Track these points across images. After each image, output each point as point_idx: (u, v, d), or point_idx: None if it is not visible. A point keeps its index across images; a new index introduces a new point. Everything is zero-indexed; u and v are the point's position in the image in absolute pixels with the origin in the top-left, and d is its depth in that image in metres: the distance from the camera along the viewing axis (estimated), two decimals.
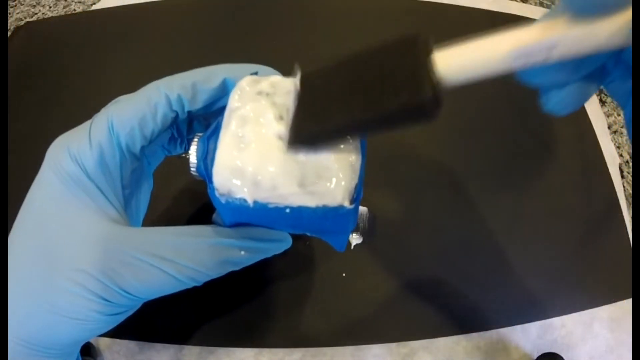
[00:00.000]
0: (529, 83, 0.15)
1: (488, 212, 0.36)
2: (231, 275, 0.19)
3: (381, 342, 0.32)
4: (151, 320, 0.31)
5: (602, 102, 0.43)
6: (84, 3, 0.48)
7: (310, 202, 0.17)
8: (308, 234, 0.20)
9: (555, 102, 0.15)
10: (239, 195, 0.17)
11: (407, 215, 0.36)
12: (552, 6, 0.50)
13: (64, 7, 0.48)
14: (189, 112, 0.21)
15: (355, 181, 0.17)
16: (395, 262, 0.34)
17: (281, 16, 0.46)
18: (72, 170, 0.18)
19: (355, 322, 0.32)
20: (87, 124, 0.20)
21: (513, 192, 0.37)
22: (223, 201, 0.18)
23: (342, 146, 0.17)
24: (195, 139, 0.20)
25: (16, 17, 0.47)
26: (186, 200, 0.35)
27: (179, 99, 0.20)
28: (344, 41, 0.42)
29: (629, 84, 0.15)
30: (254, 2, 0.46)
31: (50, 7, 0.48)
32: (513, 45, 0.13)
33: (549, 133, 0.40)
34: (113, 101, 0.21)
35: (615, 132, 0.42)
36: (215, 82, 0.20)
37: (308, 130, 0.16)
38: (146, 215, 0.23)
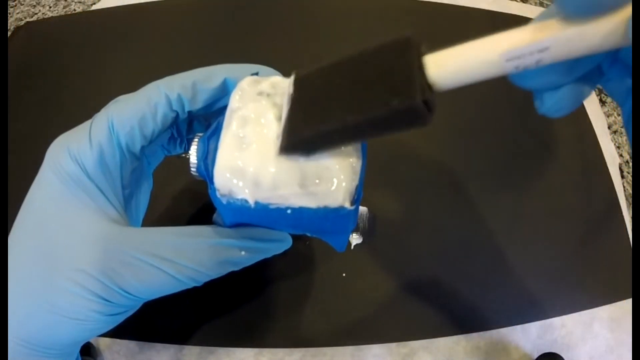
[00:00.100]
0: (522, 86, 0.15)
1: (488, 212, 0.36)
2: (231, 275, 0.19)
3: (381, 342, 0.32)
4: (151, 320, 0.31)
5: (602, 102, 0.43)
6: (84, 3, 0.48)
7: (312, 202, 0.17)
8: (308, 234, 0.20)
9: (550, 105, 0.15)
10: (240, 196, 0.17)
11: (407, 215, 0.36)
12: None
13: (64, 7, 0.48)
14: (189, 112, 0.21)
15: (355, 182, 0.17)
16: (395, 262, 0.34)
17: (281, 16, 0.46)
18: (72, 170, 0.18)
19: (355, 322, 0.32)
20: (87, 123, 0.20)
21: (513, 192, 0.37)
22: (224, 202, 0.18)
23: (342, 147, 0.17)
24: (196, 139, 0.20)
25: (16, 17, 0.47)
26: (186, 200, 0.35)
27: (179, 99, 0.20)
28: (344, 41, 0.42)
29: (627, 83, 0.15)
30: (254, 2, 0.46)
31: (50, 7, 0.48)
32: (505, 47, 0.13)
33: (549, 133, 0.40)
34: (113, 101, 0.21)
35: (615, 132, 0.42)
36: (215, 82, 0.20)
37: (301, 137, 0.16)
38: (146, 215, 0.23)
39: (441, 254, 0.34)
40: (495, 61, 0.13)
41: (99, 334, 0.19)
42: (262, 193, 0.17)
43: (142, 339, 0.31)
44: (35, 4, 0.48)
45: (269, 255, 0.20)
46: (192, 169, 0.20)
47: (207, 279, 0.19)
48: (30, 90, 0.40)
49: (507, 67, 0.13)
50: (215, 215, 0.20)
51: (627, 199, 0.38)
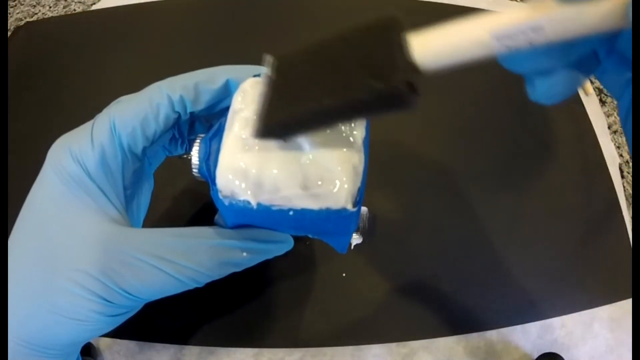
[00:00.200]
0: (513, 69, 0.14)
1: (488, 212, 0.36)
2: (231, 276, 0.19)
3: (381, 342, 0.32)
4: (151, 320, 0.31)
5: (602, 102, 0.43)
6: (84, 3, 0.48)
7: (314, 204, 0.17)
8: (310, 236, 0.20)
9: (542, 91, 0.14)
10: (242, 197, 0.17)
11: (407, 215, 0.36)
12: None
13: (64, 7, 0.48)
14: (191, 113, 0.21)
15: (358, 184, 0.17)
16: (395, 262, 0.34)
17: (281, 16, 0.46)
18: (73, 170, 0.18)
19: (355, 322, 0.32)
20: (88, 124, 0.20)
21: (513, 192, 0.37)
22: (226, 203, 0.18)
23: (344, 149, 0.17)
24: (198, 140, 0.20)
25: (16, 17, 0.47)
26: (187, 200, 0.35)
27: (181, 100, 0.20)
28: None
29: (623, 76, 0.14)
30: (254, 2, 0.46)
31: (50, 7, 0.48)
32: (494, 26, 0.12)
33: (549, 133, 0.40)
34: (114, 101, 0.21)
35: (615, 132, 0.42)
36: (217, 83, 0.20)
37: (276, 120, 0.15)
38: (147, 215, 0.23)
39: (441, 254, 0.34)
40: (484, 40, 0.12)
41: (100, 334, 0.19)
42: (264, 195, 0.17)
43: (142, 339, 0.31)
44: (35, 4, 0.48)
45: (270, 256, 0.20)
46: (194, 170, 0.20)
47: (208, 280, 0.19)
48: (30, 90, 0.40)
49: (497, 47, 0.13)
50: (216, 216, 0.20)
51: (627, 199, 0.38)
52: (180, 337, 0.31)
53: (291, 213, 0.17)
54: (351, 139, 0.17)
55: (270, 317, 0.32)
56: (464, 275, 0.34)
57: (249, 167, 0.17)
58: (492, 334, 0.32)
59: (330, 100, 0.14)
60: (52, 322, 0.18)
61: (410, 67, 0.13)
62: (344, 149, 0.17)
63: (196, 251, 0.18)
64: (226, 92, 0.21)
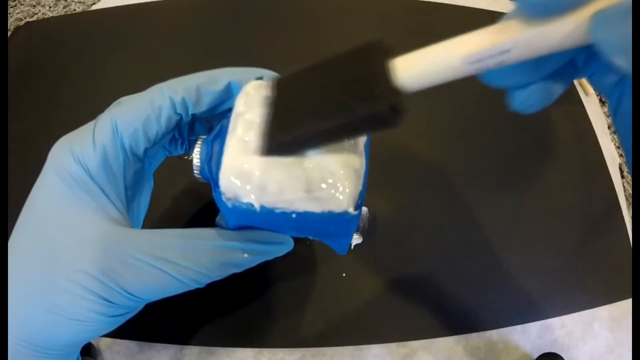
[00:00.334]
0: (491, 85, 0.15)
1: (488, 212, 0.36)
2: (232, 276, 0.19)
3: (381, 342, 0.32)
4: (151, 320, 0.31)
5: (602, 102, 0.43)
6: (84, 3, 0.48)
7: (316, 207, 0.17)
8: (310, 237, 0.20)
9: (520, 102, 0.15)
10: (245, 200, 0.17)
11: (407, 215, 0.36)
12: None
13: (64, 7, 0.48)
14: (192, 115, 0.21)
15: (359, 188, 0.18)
16: (395, 262, 0.34)
17: (281, 16, 0.46)
18: (74, 171, 0.18)
19: (355, 322, 0.32)
20: (90, 125, 0.20)
21: (513, 192, 0.37)
22: (229, 205, 0.18)
23: (346, 153, 0.17)
24: (199, 141, 0.20)
25: (16, 17, 0.47)
26: (187, 200, 0.35)
27: (183, 102, 0.20)
28: (344, 41, 0.42)
29: (611, 76, 0.15)
30: (254, 2, 0.46)
31: (50, 7, 0.48)
32: (465, 52, 0.13)
33: (549, 133, 0.40)
34: (116, 102, 0.21)
35: (615, 132, 0.42)
36: (219, 86, 0.20)
37: (277, 141, 0.16)
38: (147, 216, 0.23)
39: (441, 254, 0.34)
40: (457, 64, 0.13)
41: (100, 335, 0.19)
42: (268, 197, 0.17)
43: (143, 339, 0.31)
44: (35, 4, 0.48)
45: (270, 257, 0.20)
46: (195, 172, 0.20)
47: (209, 281, 0.19)
48: (30, 90, 0.40)
49: (471, 70, 0.13)
50: (218, 218, 0.21)
51: (627, 199, 0.38)
52: (181, 337, 0.31)
53: (294, 216, 0.17)
54: (353, 142, 0.18)
55: (270, 317, 0.32)
56: (464, 275, 0.34)
57: (252, 169, 0.17)
58: (492, 334, 0.32)
59: (322, 124, 0.15)
60: (52, 322, 0.18)
61: (393, 90, 0.14)
62: (346, 153, 0.17)
63: (197, 252, 0.18)
64: (228, 94, 0.21)
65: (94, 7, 0.47)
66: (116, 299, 0.18)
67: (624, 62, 0.11)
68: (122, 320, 0.19)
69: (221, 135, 0.19)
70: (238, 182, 0.17)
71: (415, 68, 0.14)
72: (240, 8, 0.46)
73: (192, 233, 0.19)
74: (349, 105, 0.14)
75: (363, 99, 0.14)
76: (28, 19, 0.47)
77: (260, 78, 0.20)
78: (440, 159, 0.38)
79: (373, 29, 0.43)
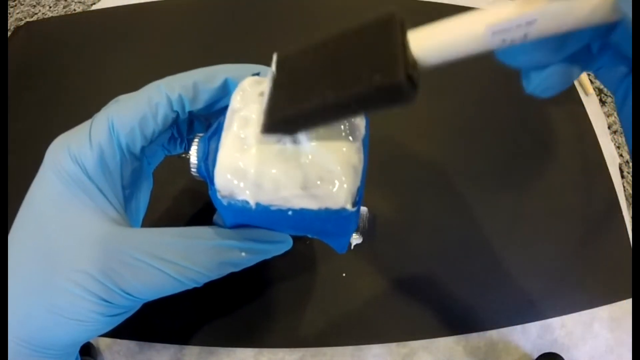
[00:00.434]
0: (509, 63, 0.15)
1: (488, 212, 0.36)
2: (231, 276, 0.19)
3: (381, 342, 0.32)
4: (151, 320, 0.31)
5: (602, 102, 0.43)
6: (84, 3, 0.48)
7: (313, 204, 0.17)
8: (309, 236, 0.20)
9: (537, 84, 0.15)
10: (241, 197, 0.17)
11: (407, 215, 0.36)
12: None
13: (64, 7, 0.48)
14: (190, 112, 0.21)
15: (357, 184, 0.17)
16: (395, 262, 0.34)
17: (281, 16, 0.46)
18: (72, 170, 0.18)
19: (355, 322, 0.32)
20: (86, 123, 0.20)
21: (513, 192, 0.37)
22: (225, 203, 0.18)
23: (344, 149, 0.17)
24: (196, 140, 0.20)
25: (16, 17, 0.47)
26: (186, 200, 0.35)
27: (180, 99, 0.20)
28: None
29: (618, 70, 0.15)
30: (254, 2, 0.46)
31: (50, 7, 0.48)
32: (490, 21, 0.13)
33: (549, 133, 0.40)
34: (113, 100, 0.21)
35: (615, 132, 0.42)
36: (216, 82, 0.20)
37: (282, 116, 0.16)
38: (146, 215, 0.23)
39: (441, 254, 0.34)
40: (481, 35, 0.13)
41: (99, 334, 0.19)
42: (263, 195, 0.17)
43: (142, 339, 0.31)
44: (35, 4, 0.48)
45: (269, 256, 0.20)
46: (193, 170, 0.20)
47: (207, 280, 0.19)
48: (30, 90, 0.40)
49: (494, 42, 0.13)
50: (215, 216, 0.20)
51: (627, 199, 0.38)
52: (180, 337, 0.31)
53: (290, 213, 0.17)
54: (350, 138, 0.17)
55: (270, 317, 0.32)
56: (464, 275, 0.34)
57: (247, 166, 0.17)
58: (492, 334, 0.32)
59: (333, 95, 0.14)
60: (52, 322, 0.18)
61: (410, 61, 0.13)
62: (344, 149, 0.17)
63: (195, 251, 0.18)
64: (225, 91, 0.21)
65: (94, 7, 0.47)
66: (115, 299, 0.18)
67: None
68: (120, 319, 0.19)
69: (218, 133, 0.18)
70: (233, 180, 0.17)
71: (435, 39, 0.13)
72: (240, 8, 0.46)
73: (190, 232, 0.19)
74: (363, 75, 0.13)
75: (379, 68, 0.13)
76: (28, 19, 0.47)
77: (257, 74, 0.20)
78: (440, 159, 0.38)
79: None
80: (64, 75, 0.41)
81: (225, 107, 0.19)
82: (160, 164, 0.24)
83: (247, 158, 0.17)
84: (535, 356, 0.32)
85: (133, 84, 0.21)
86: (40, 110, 0.39)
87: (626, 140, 0.15)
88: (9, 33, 0.45)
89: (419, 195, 0.36)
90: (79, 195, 0.18)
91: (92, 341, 0.31)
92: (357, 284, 0.33)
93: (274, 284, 0.33)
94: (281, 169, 0.17)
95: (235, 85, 0.20)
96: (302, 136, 0.17)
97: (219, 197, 0.18)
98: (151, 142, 0.20)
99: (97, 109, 0.20)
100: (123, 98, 0.20)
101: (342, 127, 0.18)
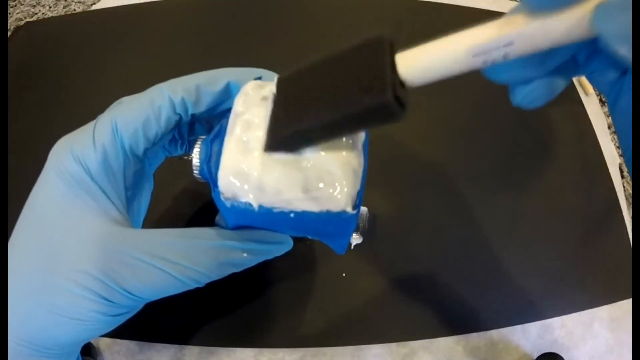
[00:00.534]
0: (494, 80, 0.15)
1: (488, 212, 0.36)
2: (232, 276, 0.19)
3: (381, 342, 0.32)
4: (151, 320, 0.31)
5: (602, 102, 0.43)
6: (84, 3, 0.48)
7: (314, 207, 0.17)
8: (309, 237, 0.20)
9: (522, 97, 0.15)
10: (244, 200, 0.17)
11: (407, 215, 0.36)
12: None
13: (64, 7, 0.48)
14: (192, 115, 0.21)
15: (357, 187, 0.18)
16: (395, 262, 0.34)
17: (281, 16, 0.46)
18: (75, 171, 0.18)
19: (355, 322, 0.32)
20: (90, 125, 0.20)
21: (513, 192, 0.37)
22: (228, 205, 0.18)
23: (344, 153, 0.17)
24: (198, 142, 0.20)
25: (16, 17, 0.47)
26: (187, 200, 0.35)
27: (183, 102, 0.20)
28: (343, 41, 0.42)
29: (610, 75, 0.15)
30: (254, 2, 0.46)
31: (50, 7, 0.48)
32: (470, 43, 0.13)
33: (549, 133, 0.40)
34: (116, 102, 0.21)
35: (615, 132, 0.42)
36: (219, 86, 0.20)
37: (282, 136, 0.17)
38: (147, 216, 0.23)
39: (441, 254, 0.34)
40: (462, 57, 0.13)
41: (100, 334, 0.19)
42: (266, 197, 0.17)
43: (142, 339, 0.31)
44: (35, 4, 0.48)
45: (270, 257, 0.20)
46: (195, 172, 0.20)
47: (208, 280, 0.19)
48: (30, 90, 0.40)
49: (475, 62, 0.13)
50: (217, 217, 0.21)
51: (627, 199, 0.38)
52: (180, 337, 0.31)
53: (292, 215, 0.17)
54: (351, 141, 0.18)
55: (270, 317, 0.32)
56: (464, 275, 0.34)
57: (250, 169, 0.17)
58: (492, 334, 0.32)
59: (327, 116, 0.15)
60: (53, 322, 0.18)
61: (398, 82, 0.14)
62: (344, 152, 0.17)
63: (197, 251, 0.18)
64: (227, 94, 0.21)
65: (94, 7, 0.47)
66: (116, 299, 0.18)
67: (625, 51, 0.11)
68: (122, 319, 0.19)
69: (220, 136, 0.19)
70: (237, 182, 0.17)
71: (420, 61, 0.14)
72: (240, 8, 0.46)
73: (192, 233, 0.19)
74: (354, 96, 0.14)
75: (369, 90, 0.14)
76: (28, 19, 0.47)
77: (259, 78, 0.20)
78: (440, 159, 0.38)
79: (373, 29, 0.43)
80: (64, 75, 0.41)
81: (227, 110, 0.19)
82: (161, 165, 0.24)
83: (250, 161, 0.17)
84: (535, 356, 0.32)
85: (133, 84, 0.21)
86: (40, 110, 0.39)
87: (620, 141, 0.15)
88: (9, 33, 0.45)
89: (419, 195, 0.36)
90: (82, 196, 0.18)
91: (92, 341, 0.31)
92: (357, 284, 0.33)
93: (274, 284, 0.33)
94: (284, 172, 0.17)
95: (238, 88, 0.20)
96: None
97: (222, 199, 0.18)
98: (153, 144, 0.21)
99: (97, 109, 0.20)
100: (126, 100, 0.20)
101: None
